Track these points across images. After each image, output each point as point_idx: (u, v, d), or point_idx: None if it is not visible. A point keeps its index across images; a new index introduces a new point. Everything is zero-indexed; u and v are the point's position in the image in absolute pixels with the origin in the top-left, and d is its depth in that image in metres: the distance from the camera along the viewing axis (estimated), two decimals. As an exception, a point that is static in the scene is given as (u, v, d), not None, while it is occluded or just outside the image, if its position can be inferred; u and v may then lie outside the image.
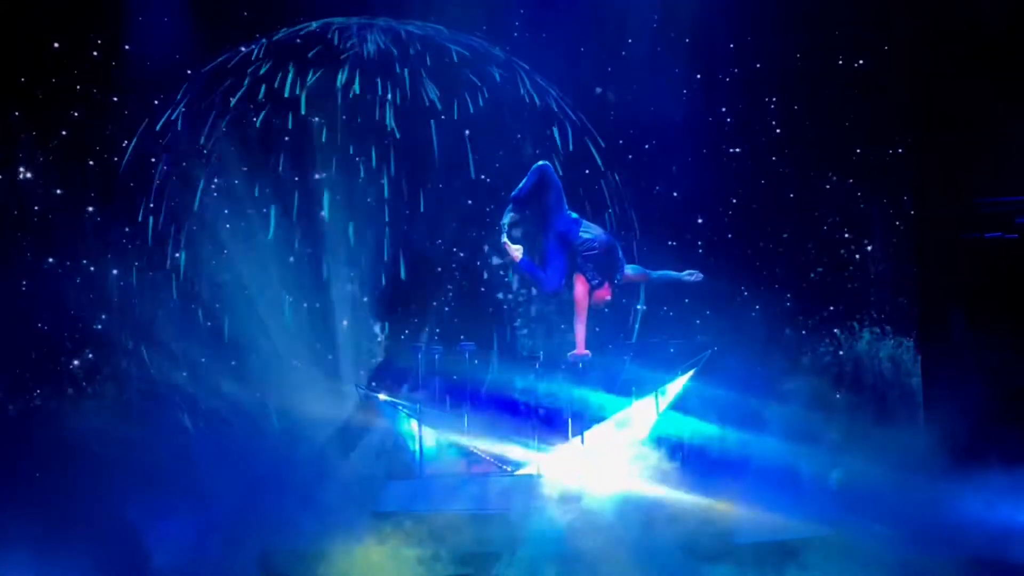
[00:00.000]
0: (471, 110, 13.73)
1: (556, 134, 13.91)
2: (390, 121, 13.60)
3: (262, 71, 13.43)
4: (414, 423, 11.56)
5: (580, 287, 10.31)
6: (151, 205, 13.32)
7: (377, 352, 13.75)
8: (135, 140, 13.21)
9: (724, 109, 14.49)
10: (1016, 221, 14.19)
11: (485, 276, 14.11)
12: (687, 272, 10.72)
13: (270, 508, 9.67)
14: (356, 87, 13.51)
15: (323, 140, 13.51)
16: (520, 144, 13.88)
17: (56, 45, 13.06)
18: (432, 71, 13.72)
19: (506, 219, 10.29)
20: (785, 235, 14.66)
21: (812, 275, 14.69)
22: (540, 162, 10.14)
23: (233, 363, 13.38)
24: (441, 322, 13.83)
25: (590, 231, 10.17)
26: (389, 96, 13.59)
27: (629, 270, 10.47)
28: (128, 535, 9.58)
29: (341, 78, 13.49)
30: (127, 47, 13.25)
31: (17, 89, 12.84)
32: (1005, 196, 14.24)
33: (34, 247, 12.82)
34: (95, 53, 13.24)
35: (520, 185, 10.19)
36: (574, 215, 10.32)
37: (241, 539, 9.21)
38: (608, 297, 10.70)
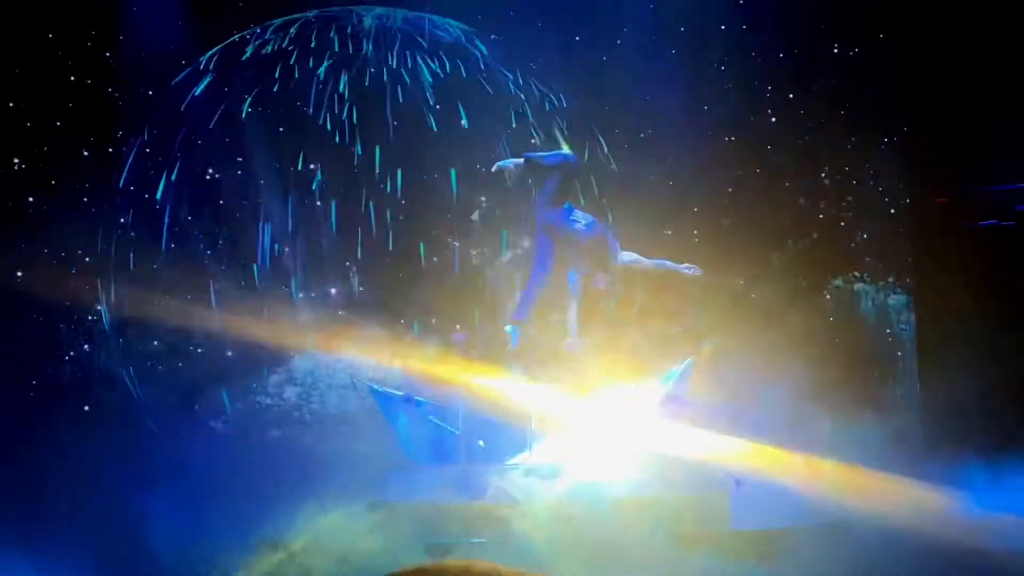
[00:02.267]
0: (462, 99, 13.70)
1: (551, 122, 13.89)
2: (381, 110, 13.62)
3: (252, 60, 13.45)
4: (409, 413, 11.55)
5: (571, 276, 10.31)
6: (146, 196, 13.34)
7: (373, 343, 13.76)
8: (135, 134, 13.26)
9: (719, 97, 14.45)
10: (1015, 209, 14.17)
11: (479, 265, 14.12)
12: (686, 265, 10.69)
13: (264, 497, 9.70)
14: (344, 75, 13.54)
15: (313, 129, 13.52)
16: (514, 133, 13.85)
17: (51, 36, 13.06)
18: (423, 59, 13.71)
19: (503, 163, 10.34)
20: (781, 224, 14.63)
21: (808, 263, 14.67)
22: (573, 154, 10.20)
23: (229, 354, 13.43)
24: (434, 312, 13.83)
25: (579, 220, 10.16)
26: (380, 85, 13.59)
27: (625, 257, 10.45)
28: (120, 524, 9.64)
29: (331, 66, 13.52)
30: (122, 38, 13.25)
31: (12, 80, 12.83)
32: (1002, 184, 14.22)
33: (29, 238, 12.83)
34: (90, 44, 13.23)
35: (543, 153, 10.20)
36: (566, 204, 10.29)
37: (232, 526, 9.26)
38: (602, 286, 10.70)
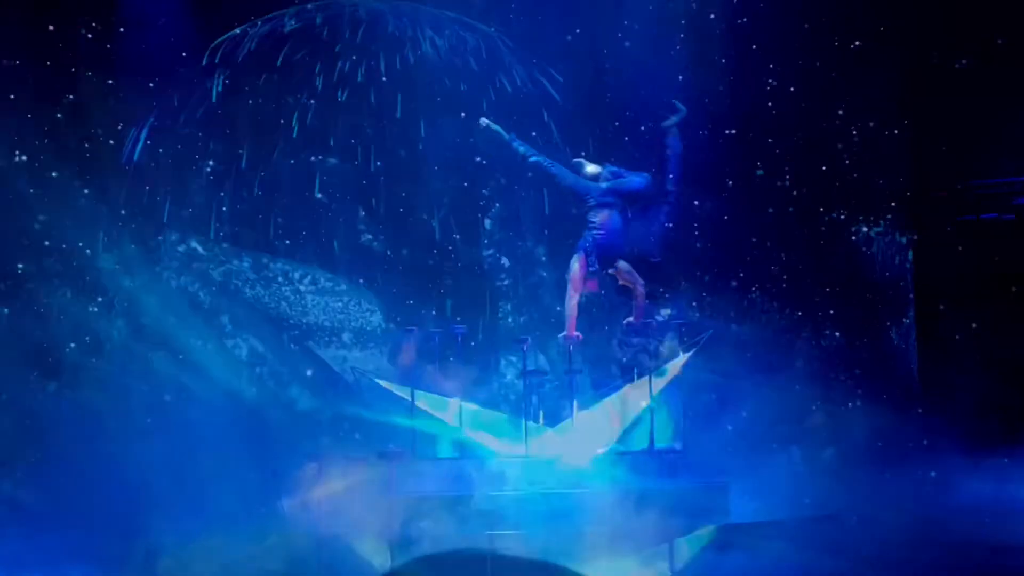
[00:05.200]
0: (464, 91, 13.72)
1: (551, 116, 13.90)
2: (386, 101, 13.63)
3: (254, 53, 13.46)
4: (407, 405, 11.54)
5: (577, 268, 10.31)
6: (147, 188, 13.36)
7: (371, 334, 13.79)
8: (141, 125, 13.28)
9: (720, 90, 14.43)
10: (1013, 202, 14.19)
11: (480, 258, 14.15)
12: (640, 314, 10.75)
13: (255, 486, 9.74)
14: (346, 68, 13.55)
15: (314, 122, 13.53)
16: (516, 126, 13.86)
17: (51, 28, 13.07)
18: (424, 51, 13.72)
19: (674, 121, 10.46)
20: (781, 217, 14.64)
21: (808, 257, 14.68)
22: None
23: (229, 344, 13.48)
24: (435, 304, 13.85)
25: (602, 214, 10.15)
26: (384, 78, 13.59)
27: (622, 265, 10.41)
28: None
29: (334, 60, 13.53)
30: (122, 29, 13.25)
31: (12, 72, 12.83)
32: (1002, 177, 14.24)
33: (29, 230, 12.85)
34: (90, 36, 13.24)
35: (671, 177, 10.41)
36: (613, 200, 10.39)
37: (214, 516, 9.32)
38: (597, 289, 10.70)
